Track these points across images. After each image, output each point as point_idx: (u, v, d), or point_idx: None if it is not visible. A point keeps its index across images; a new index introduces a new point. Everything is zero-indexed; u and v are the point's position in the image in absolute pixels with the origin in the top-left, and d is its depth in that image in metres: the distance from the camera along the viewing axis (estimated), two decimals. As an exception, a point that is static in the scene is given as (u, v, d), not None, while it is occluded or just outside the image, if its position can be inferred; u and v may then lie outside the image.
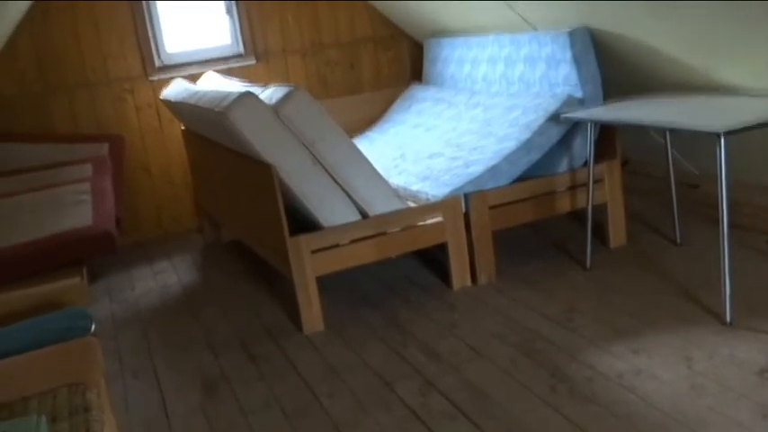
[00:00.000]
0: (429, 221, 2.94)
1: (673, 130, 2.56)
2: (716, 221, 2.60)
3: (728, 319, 2.42)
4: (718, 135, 2.28)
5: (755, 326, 2.38)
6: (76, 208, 3.18)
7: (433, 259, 3.36)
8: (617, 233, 3.25)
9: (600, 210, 3.19)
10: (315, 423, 2.19)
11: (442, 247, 3.00)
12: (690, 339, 2.36)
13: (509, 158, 3.02)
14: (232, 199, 3.37)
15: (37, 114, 4.04)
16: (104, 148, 3.99)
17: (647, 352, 2.32)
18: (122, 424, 2.32)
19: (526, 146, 3.04)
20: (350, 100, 4.46)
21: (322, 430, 2.14)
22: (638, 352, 2.33)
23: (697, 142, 3.31)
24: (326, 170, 2.77)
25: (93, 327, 2.00)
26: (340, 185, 2.80)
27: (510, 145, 3.07)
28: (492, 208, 3.00)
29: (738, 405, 1.97)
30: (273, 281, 3.44)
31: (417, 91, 4.29)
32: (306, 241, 2.75)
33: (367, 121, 4.45)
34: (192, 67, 4.23)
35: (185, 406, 2.40)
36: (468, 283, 3.06)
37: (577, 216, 3.53)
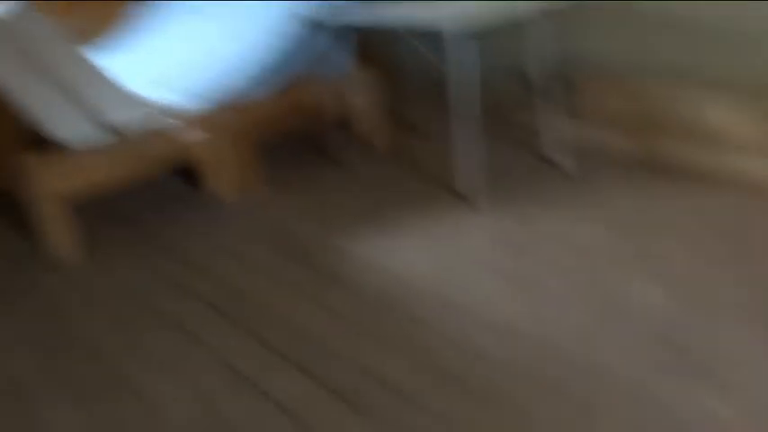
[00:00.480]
0: (184, 135, 2.81)
1: (418, 32, 2.65)
2: (470, 117, 2.77)
3: (477, 201, 2.64)
4: (460, 36, 2.40)
5: (503, 206, 2.62)
6: None
7: (194, 174, 3.24)
8: (378, 137, 3.35)
9: (362, 116, 3.26)
10: (75, 351, 2.04)
11: (205, 162, 2.90)
12: (444, 222, 2.54)
13: (261, 65, 2.95)
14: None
15: None
16: None
17: (401, 236, 2.46)
18: None
19: (278, 51, 2.98)
20: (83, 8, 4.06)
21: (84, 357, 2.02)
22: (391, 237, 2.47)
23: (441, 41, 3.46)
24: (64, 85, 2.51)
25: None
26: (81, 101, 2.55)
27: (260, 51, 2.99)
28: (249, 118, 2.93)
29: (491, 279, 2.14)
30: (17, 208, 3.12)
31: None
32: (46, 160, 2.50)
33: (104, 31, 4.09)
34: None
35: None
36: (230, 195, 2.99)
37: (342, 123, 3.58)
